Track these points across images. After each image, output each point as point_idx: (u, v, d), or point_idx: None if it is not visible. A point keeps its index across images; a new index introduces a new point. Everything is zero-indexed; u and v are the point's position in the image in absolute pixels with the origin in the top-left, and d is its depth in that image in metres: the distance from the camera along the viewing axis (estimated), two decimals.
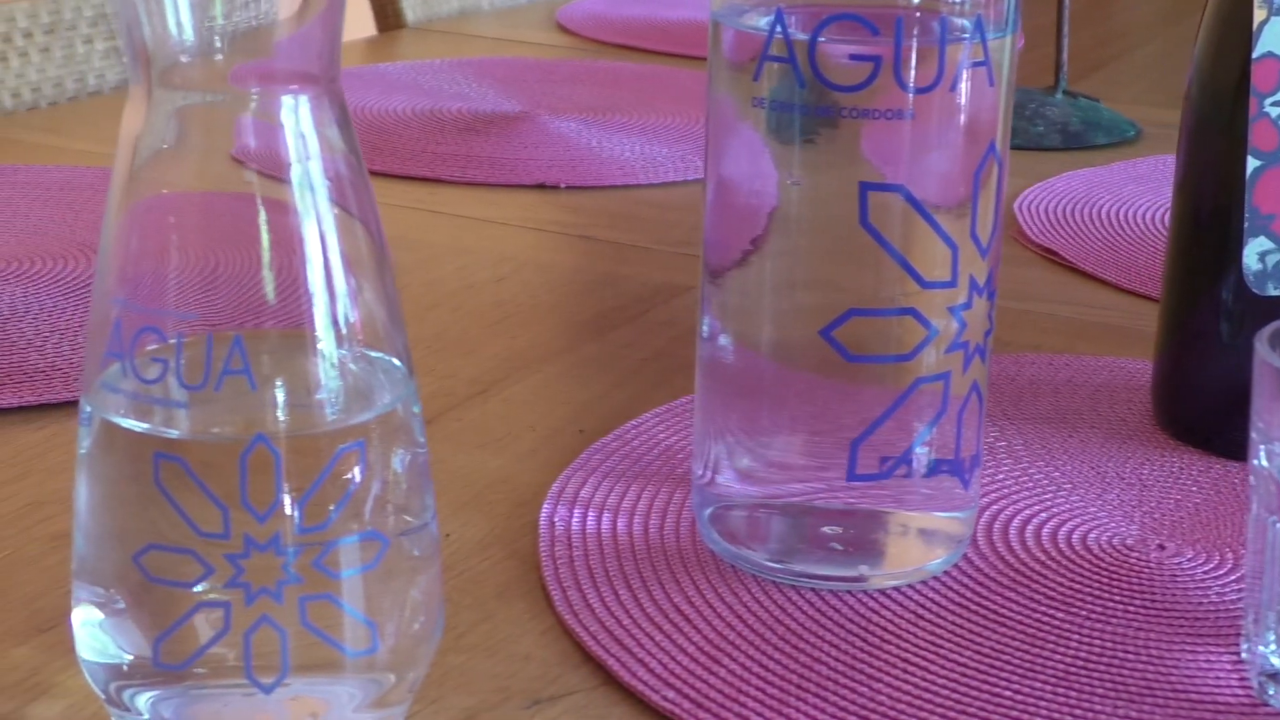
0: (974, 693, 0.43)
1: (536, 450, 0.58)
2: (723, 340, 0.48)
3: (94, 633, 0.39)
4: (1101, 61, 1.30)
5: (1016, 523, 0.52)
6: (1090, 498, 0.54)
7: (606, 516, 0.52)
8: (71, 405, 0.60)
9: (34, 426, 0.58)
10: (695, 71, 1.21)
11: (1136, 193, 0.90)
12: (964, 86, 0.44)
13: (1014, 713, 0.42)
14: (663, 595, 0.48)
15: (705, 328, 0.49)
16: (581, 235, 0.83)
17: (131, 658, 0.38)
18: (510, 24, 1.40)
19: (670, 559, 0.50)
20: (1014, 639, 0.46)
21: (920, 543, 0.49)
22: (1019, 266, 0.78)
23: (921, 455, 0.47)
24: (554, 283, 0.76)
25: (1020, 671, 0.44)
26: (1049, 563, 0.50)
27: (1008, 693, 0.43)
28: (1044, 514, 0.53)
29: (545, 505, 0.53)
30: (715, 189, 0.47)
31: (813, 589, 0.48)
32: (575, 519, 0.52)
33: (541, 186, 0.91)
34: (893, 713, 0.42)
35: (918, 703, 0.43)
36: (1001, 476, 0.55)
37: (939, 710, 0.42)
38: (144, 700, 0.39)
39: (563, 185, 0.90)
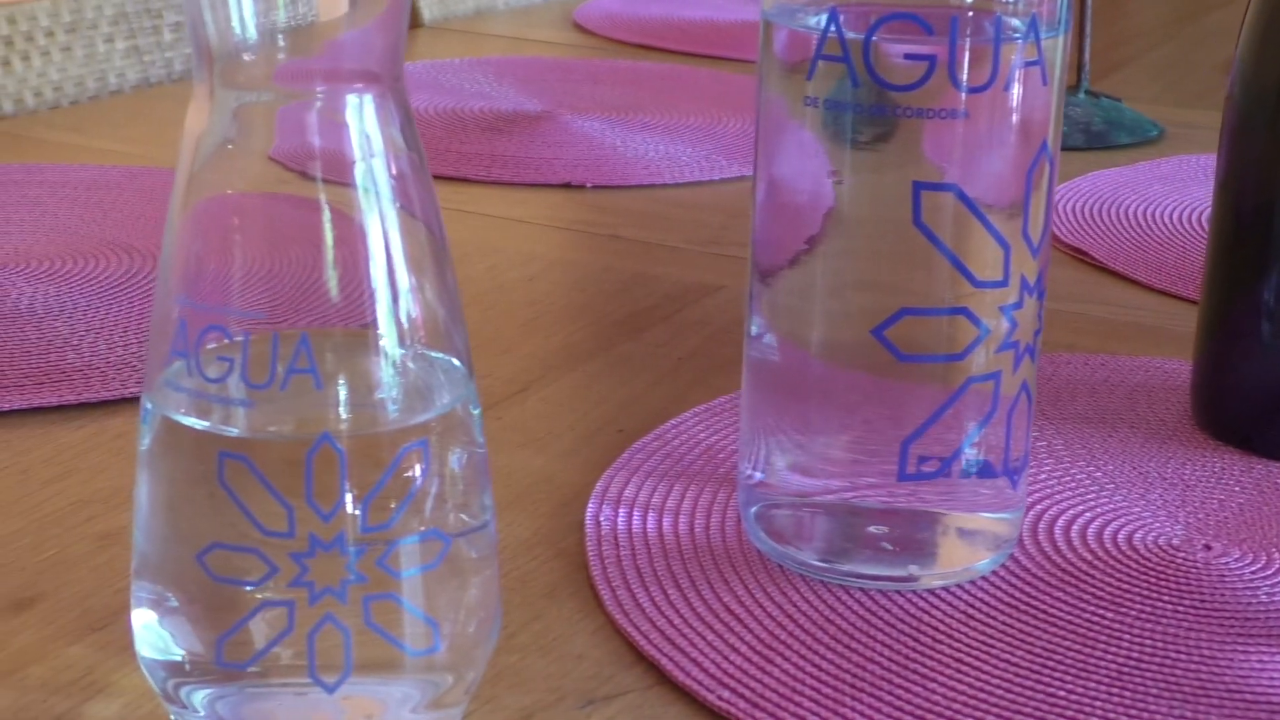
0: (1029, 693, 0.43)
1: (577, 450, 0.58)
2: (772, 339, 0.48)
3: (154, 630, 0.39)
4: (1119, 62, 1.30)
5: (1061, 522, 0.52)
6: (1133, 498, 0.54)
7: (651, 516, 0.52)
8: (110, 404, 0.60)
9: (74, 425, 0.58)
10: (715, 71, 1.21)
11: (1162, 192, 0.90)
12: (1017, 86, 0.44)
13: (1069, 713, 0.42)
14: (711, 595, 0.48)
15: (754, 327, 0.49)
16: (610, 235, 0.83)
17: (192, 656, 0.38)
18: (527, 23, 1.40)
19: (717, 558, 0.50)
20: (1065, 639, 0.46)
21: (969, 543, 0.49)
22: (1049, 266, 0.78)
23: (971, 455, 0.47)
24: (584, 282, 0.76)
25: (1074, 671, 0.44)
26: (1096, 562, 0.50)
27: (1061, 692, 0.43)
28: (1088, 514, 0.53)
29: (590, 505, 0.53)
30: (766, 189, 0.47)
31: (861, 588, 0.48)
32: (620, 518, 0.52)
33: (567, 186, 0.91)
34: (949, 713, 0.42)
35: (973, 702, 0.43)
36: (1044, 476, 0.55)
37: (995, 710, 0.42)
38: (202, 698, 0.39)
39: (588, 185, 0.90)
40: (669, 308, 0.72)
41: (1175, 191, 0.91)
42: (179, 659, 0.39)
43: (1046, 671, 0.44)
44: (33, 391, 0.60)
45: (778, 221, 0.47)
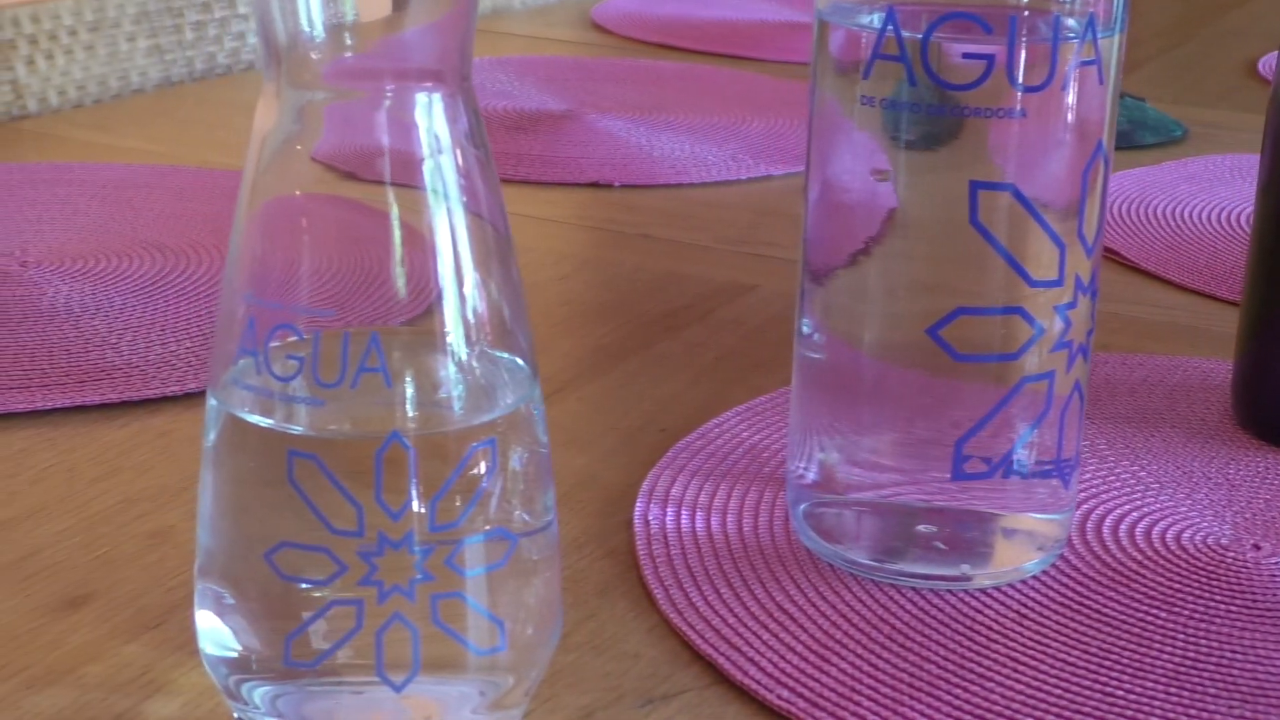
0: (1087, 692, 0.43)
1: (620, 449, 0.58)
2: (825, 338, 0.48)
3: (218, 627, 0.39)
4: (1138, 62, 1.30)
5: (1109, 522, 0.52)
6: (1179, 497, 0.54)
7: (700, 515, 0.52)
8: (152, 403, 0.60)
9: (117, 424, 0.58)
10: (736, 71, 1.21)
11: (1190, 192, 0.90)
12: (1074, 85, 0.44)
13: (1129, 712, 0.42)
14: (764, 594, 0.48)
15: (805, 325, 0.49)
16: (640, 234, 0.83)
17: (257, 653, 0.38)
18: (544, 22, 1.40)
19: (767, 557, 0.50)
20: (1120, 638, 0.46)
21: (1021, 542, 0.49)
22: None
23: (1024, 455, 0.47)
24: (617, 281, 0.76)
25: (1130, 671, 0.44)
26: (1146, 562, 0.50)
27: (1120, 692, 0.43)
28: (1135, 513, 0.53)
29: (638, 504, 0.53)
30: (819, 189, 0.47)
31: (913, 588, 0.48)
32: (669, 517, 0.52)
33: (595, 185, 0.91)
34: (1008, 712, 0.42)
35: (1032, 702, 0.43)
36: (1089, 476, 0.55)
37: (1054, 710, 0.42)
38: (264, 695, 0.39)
39: (616, 184, 0.90)
40: (703, 307, 0.72)
41: (1203, 191, 0.91)
42: (243, 656, 0.39)
43: (1104, 671, 0.44)
44: (75, 390, 0.60)
45: (832, 221, 0.47)
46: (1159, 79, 1.25)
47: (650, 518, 0.52)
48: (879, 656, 0.45)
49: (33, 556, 0.49)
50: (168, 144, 0.97)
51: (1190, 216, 0.86)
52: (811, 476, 0.49)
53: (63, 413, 0.59)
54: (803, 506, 0.50)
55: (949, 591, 0.48)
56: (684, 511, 0.52)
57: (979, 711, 0.42)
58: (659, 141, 0.98)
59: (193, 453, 0.56)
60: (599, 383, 0.64)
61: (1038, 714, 0.42)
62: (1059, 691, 0.43)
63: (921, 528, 0.48)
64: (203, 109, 1.08)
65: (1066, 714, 0.42)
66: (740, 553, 0.50)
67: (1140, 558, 0.50)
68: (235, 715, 0.40)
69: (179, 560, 0.49)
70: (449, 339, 0.37)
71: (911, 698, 0.43)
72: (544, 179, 0.91)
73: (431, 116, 0.37)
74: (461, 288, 0.37)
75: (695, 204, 0.88)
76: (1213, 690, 0.43)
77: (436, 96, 0.37)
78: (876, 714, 0.42)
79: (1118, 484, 0.55)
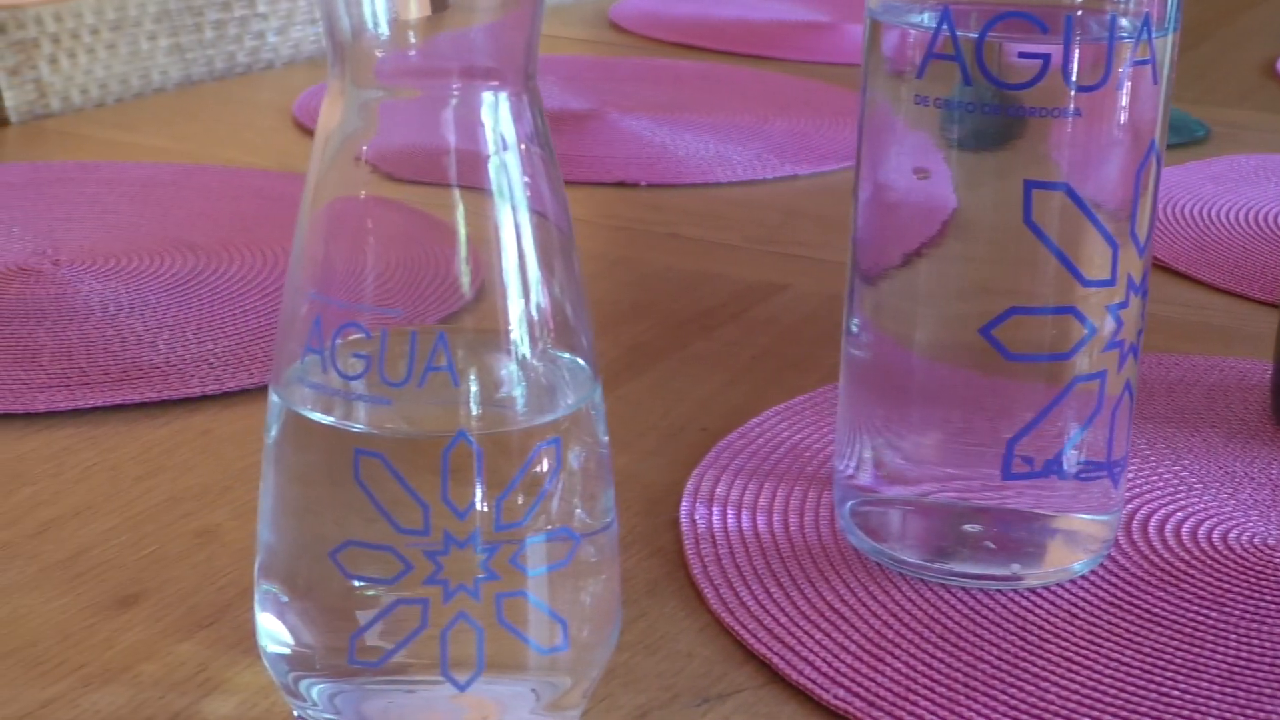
0: (1142, 693, 0.43)
1: (662, 448, 0.58)
2: (874, 338, 0.48)
3: (279, 625, 0.39)
4: None
5: (1155, 522, 0.52)
6: (1223, 497, 0.54)
7: (745, 514, 0.52)
8: (191, 401, 0.60)
9: (158, 423, 0.58)
10: (759, 71, 1.21)
11: (1216, 192, 0.90)
12: (1129, 85, 0.44)
13: (1185, 712, 0.42)
14: (813, 592, 0.48)
15: (854, 325, 0.49)
16: (669, 233, 0.83)
17: (320, 651, 0.38)
18: (562, 21, 1.40)
19: (815, 556, 0.50)
20: (1173, 638, 0.46)
21: (1070, 542, 0.49)
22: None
23: (1075, 455, 0.47)
24: (648, 280, 0.76)
25: (1185, 671, 0.44)
26: (1194, 562, 0.50)
27: (1175, 692, 0.43)
28: (1180, 514, 0.53)
29: (684, 503, 0.53)
30: (871, 189, 0.47)
31: (962, 587, 0.48)
32: (715, 517, 0.52)
33: (621, 184, 0.91)
34: (1064, 713, 0.42)
35: (1088, 702, 0.43)
36: (1131, 475, 0.55)
37: (1110, 710, 0.42)
38: (323, 692, 0.39)
39: (642, 183, 0.90)
40: (736, 306, 0.72)
41: (1229, 191, 0.91)
42: (304, 653, 0.39)
43: (1158, 671, 0.44)
44: (114, 389, 0.60)
45: (884, 222, 0.47)
46: (1180, 79, 1.25)
47: (697, 517, 0.52)
48: (932, 656, 0.45)
49: (81, 555, 0.49)
50: (191, 142, 0.97)
51: (1218, 216, 0.86)
52: (859, 475, 0.49)
53: (102, 411, 0.59)
54: (849, 505, 0.50)
55: (999, 591, 0.48)
56: (730, 511, 0.52)
57: (1035, 712, 0.42)
58: (683, 141, 0.98)
59: (235, 451, 0.56)
60: (637, 382, 0.64)
61: (1094, 714, 0.42)
62: (1114, 692, 0.43)
63: (970, 527, 0.48)
64: (225, 108, 1.08)
65: (1123, 714, 0.42)
66: (788, 552, 0.50)
67: (1188, 558, 0.50)
68: (295, 713, 0.40)
69: (227, 559, 0.49)
70: (513, 338, 0.37)
71: (968, 697, 0.43)
72: (570, 178, 0.91)
73: (497, 115, 0.37)
74: (526, 287, 0.37)
75: (722, 203, 0.88)
76: (1269, 690, 0.43)
77: (502, 95, 0.37)
78: (934, 714, 0.42)
79: (1160, 484, 0.55)
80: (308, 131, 0.97)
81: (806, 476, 0.55)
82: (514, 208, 0.37)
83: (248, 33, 1.18)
